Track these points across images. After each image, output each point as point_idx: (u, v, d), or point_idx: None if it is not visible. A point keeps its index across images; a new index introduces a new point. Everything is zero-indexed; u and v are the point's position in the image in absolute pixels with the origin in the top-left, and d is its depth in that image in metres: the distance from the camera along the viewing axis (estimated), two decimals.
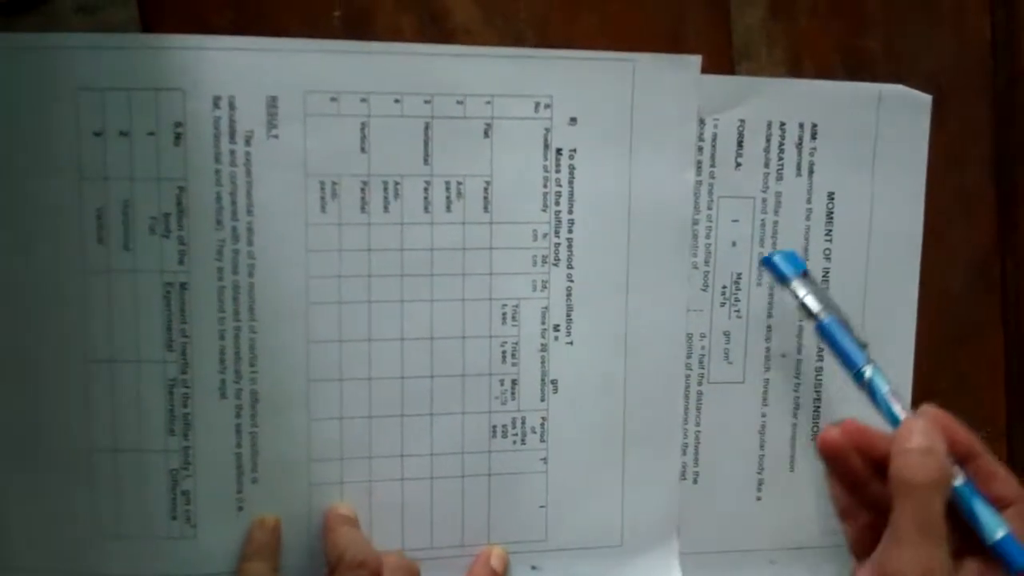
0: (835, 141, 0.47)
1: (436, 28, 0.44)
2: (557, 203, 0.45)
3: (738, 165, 0.47)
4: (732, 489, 0.49)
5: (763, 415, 0.48)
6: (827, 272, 0.48)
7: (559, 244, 0.45)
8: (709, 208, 0.47)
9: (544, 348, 0.46)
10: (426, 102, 0.43)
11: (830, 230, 0.48)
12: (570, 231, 0.45)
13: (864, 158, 0.48)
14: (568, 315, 0.46)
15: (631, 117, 0.45)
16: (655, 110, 0.45)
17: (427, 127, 0.44)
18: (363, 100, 0.43)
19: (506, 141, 0.44)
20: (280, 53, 0.42)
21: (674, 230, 0.46)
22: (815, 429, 0.49)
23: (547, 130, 0.45)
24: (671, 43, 0.46)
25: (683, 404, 0.47)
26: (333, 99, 0.43)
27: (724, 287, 0.47)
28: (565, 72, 0.44)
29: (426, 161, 0.44)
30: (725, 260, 0.47)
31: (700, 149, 0.46)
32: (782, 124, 0.47)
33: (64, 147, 0.41)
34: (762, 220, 0.47)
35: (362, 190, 0.44)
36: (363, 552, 0.42)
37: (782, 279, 0.43)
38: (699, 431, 0.48)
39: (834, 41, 0.48)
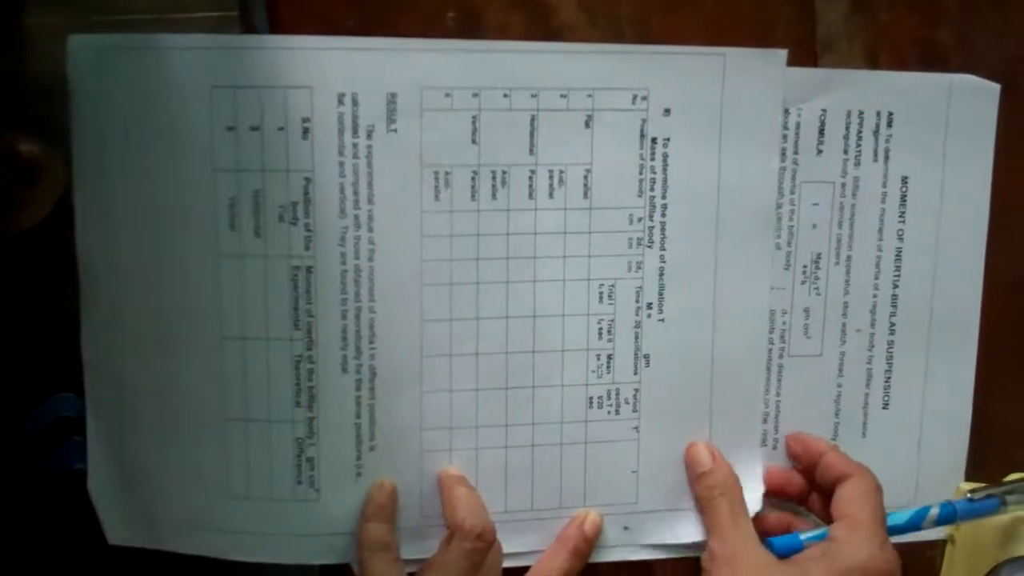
0: (909, 128, 0.50)
1: (542, 26, 0.47)
2: (652, 189, 0.48)
3: (819, 152, 0.50)
4: None
5: (838, 386, 0.52)
6: (899, 252, 0.51)
7: (653, 227, 0.48)
8: (792, 193, 0.50)
9: (638, 325, 0.49)
10: (532, 96, 0.46)
11: (903, 213, 0.51)
12: (663, 215, 0.48)
13: (936, 144, 0.50)
14: (660, 294, 0.49)
15: (721, 108, 0.48)
16: (744, 102, 0.48)
17: (533, 119, 0.46)
18: (475, 95, 0.46)
19: (605, 131, 0.47)
20: (398, 52, 0.45)
21: (759, 214, 0.49)
22: (886, 399, 0.52)
23: (643, 121, 0.47)
24: (760, 38, 0.48)
25: (765, 376, 0.50)
26: (447, 95, 0.45)
27: (805, 266, 0.50)
28: (661, 66, 0.47)
29: (531, 151, 0.47)
30: (806, 241, 0.50)
31: (784, 137, 0.49)
32: (860, 113, 0.50)
33: (199, 141, 0.44)
34: (840, 203, 0.50)
35: (472, 179, 0.46)
36: (481, 522, 0.45)
37: None
38: (779, 400, 0.51)
39: (909, 34, 0.50)
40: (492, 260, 0.47)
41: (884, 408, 0.52)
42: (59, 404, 0.49)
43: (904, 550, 0.53)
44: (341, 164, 0.45)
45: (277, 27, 0.45)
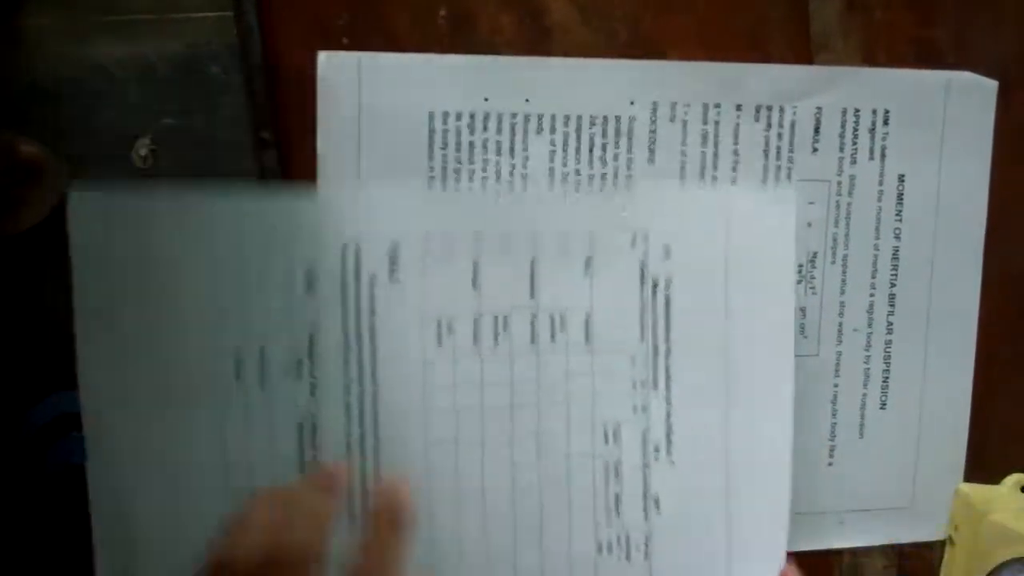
0: (906, 126, 0.50)
1: (534, 25, 0.47)
2: (654, 332, 0.47)
3: (815, 150, 0.49)
4: (806, 455, 0.51)
5: (835, 386, 0.51)
6: (896, 251, 0.51)
7: (657, 370, 0.47)
8: None
9: (646, 467, 0.47)
10: (531, 240, 0.46)
11: (900, 211, 0.50)
12: (667, 358, 0.47)
13: (933, 142, 0.50)
14: (668, 436, 0.47)
15: (726, 248, 0.46)
16: (750, 240, 0.47)
17: (533, 262, 0.46)
18: (476, 239, 0.46)
19: (605, 274, 0.47)
20: (401, 201, 0.45)
21: (776, 353, 0.47)
22: (884, 399, 0.52)
23: (643, 263, 0.47)
24: (754, 35, 0.48)
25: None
26: (447, 240, 0.45)
27: (800, 265, 0.50)
28: (661, 205, 0.46)
29: (532, 295, 0.46)
30: (802, 240, 0.50)
31: (779, 136, 0.49)
32: (856, 111, 0.49)
33: (203, 293, 0.44)
34: (836, 202, 0.50)
35: (474, 325, 0.46)
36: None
37: None
38: None
39: (906, 31, 0.50)
40: (496, 408, 0.47)
41: (882, 408, 0.52)
42: (58, 401, 0.50)
43: (903, 551, 0.53)
44: (344, 315, 0.45)
45: (268, 25, 0.45)
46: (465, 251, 0.46)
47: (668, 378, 0.47)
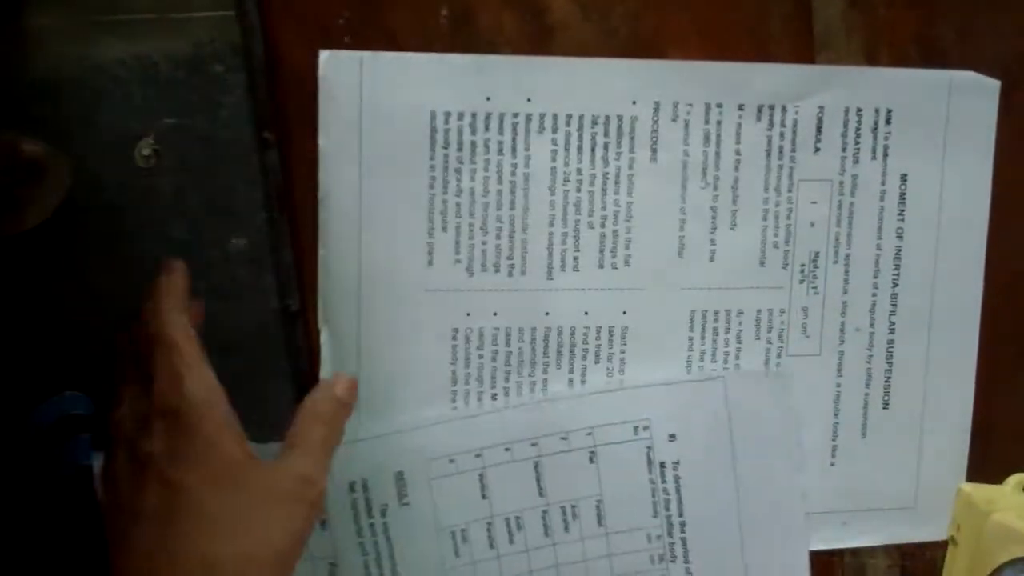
0: (908, 126, 0.50)
1: (535, 23, 0.47)
2: (667, 508, 0.49)
3: (817, 150, 0.49)
4: (808, 455, 0.51)
5: (837, 385, 0.51)
6: (899, 250, 0.51)
7: (673, 543, 0.49)
8: (789, 191, 0.49)
9: None
10: (532, 445, 0.48)
11: (902, 211, 0.50)
12: (683, 531, 0.49)
13: (935, 142, 0.50)
14: None
15: (730, 429, 0.49)
16: (752, 419, 0.49)
17: (537, 465, 0.48)
18: (477, 456, 0.48)
19: (611, 463, 0.48)
20: (401, 434, 0.47)
21: (789, 524, 0.49)
22: (886, 399, 0.52)
23: (648, 448, 0.48)
24: (756, 34, 0.48)
25: None
26: (451, 461, 0.48)
27: (803, 265, 0.50)
28: (658, 398, 0.48)
29: (540, 494, 0.48)
30: (804, 240, 0.50)
31: (782, 135, 0.49)
32: (859, 110, 0.49)
33: None
34: (839, 201, 0.50)
35: (488, 530, 0.48)
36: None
37: None
38: None
39: (909, 30, 0.50)
40: None
41: (884, 408, 0.52)
42: (64, 403, 0.50)
43: (906, 550, 0.53)
44: (361, 544, 0.48)
45: (270, 25, 0.45)
46: (470, 468, 0.48)
47: (686, 550, 0.48)
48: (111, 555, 0.39)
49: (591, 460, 0.48)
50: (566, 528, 0.48)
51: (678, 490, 0.49)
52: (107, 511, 0.40)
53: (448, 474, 0.48)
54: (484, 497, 0.48)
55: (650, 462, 0.48)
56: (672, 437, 0.48)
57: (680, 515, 0.48)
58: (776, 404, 0.49)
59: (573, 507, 0.48)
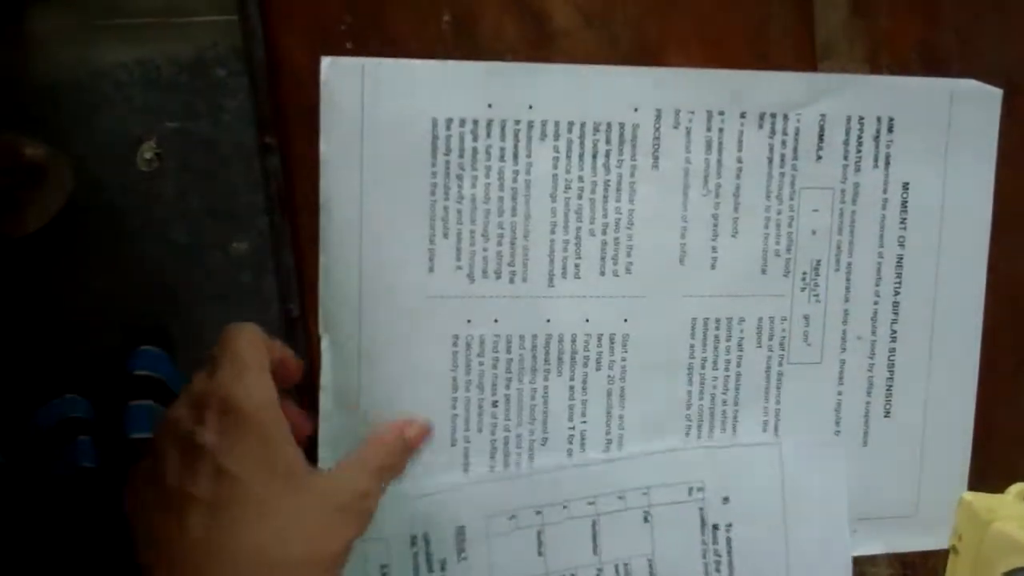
0: (910, 134, 0.50)
1: (537, 30, 0.47)
2: (718, 570, 0.49)
3: (819, 158, 0.49)
4: None
5: (839, 394, 0.51)
6: (900, 259, 0.50)
7: None
8: (791, 199, 0.49)
9: None
10: (590, 504, 0.48)
11: (904, 219, 0.50)
12: None
13: (937, 150, 0.50)
14: None
15: (782, 495, 0.49)
16: (805, 486, 0.49)
17: (593, 523, 0.49)
18: (537, 512, 0.48)
19: (665, 523, 0.49)
20: (462, 488, 0.48)
21: None
22: (888, 407, 0.51)
23: (701, 509, 0.49)
24: (759, 41, 0.48)
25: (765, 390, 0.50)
26: (512, 517, 0.48)
27: (804, 273, 0.50)
28: (715, 459, 0.49)
29: (595, 551, 0.49)
30: (806, 248, 0.50)
31: (783, 143, 0.49)
32: (861, 118, 0.49)
33: None
34: (840, 209, 0.50)
35: None
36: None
37: None
38: (779, 409, 0.51)
39: (911, 38, 0.50)
40: None
41: (886, 416, 0.52)
42: (65, 405, 0.50)
43: (907, 559, 0.52)
44: None
45: (272, 30, 0.45)
46: (527, 525, 0.48)
47: None
48: (154, 551, 0.38)
49: (645, 520, 0.49)
50: None
51: (729, 551, 0.49)
52: (149, 510, 0.39)
53: (507, 531, 0.48)
54: (540, 555, 0.48)
55: (703, 523, 0.49)
56: (726, 500, 0.49)
57: (731, 575, 0.49)
58: (828, 472, 0.50)
59: (626, 565, 0.49)
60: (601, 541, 0.49)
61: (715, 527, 0.49)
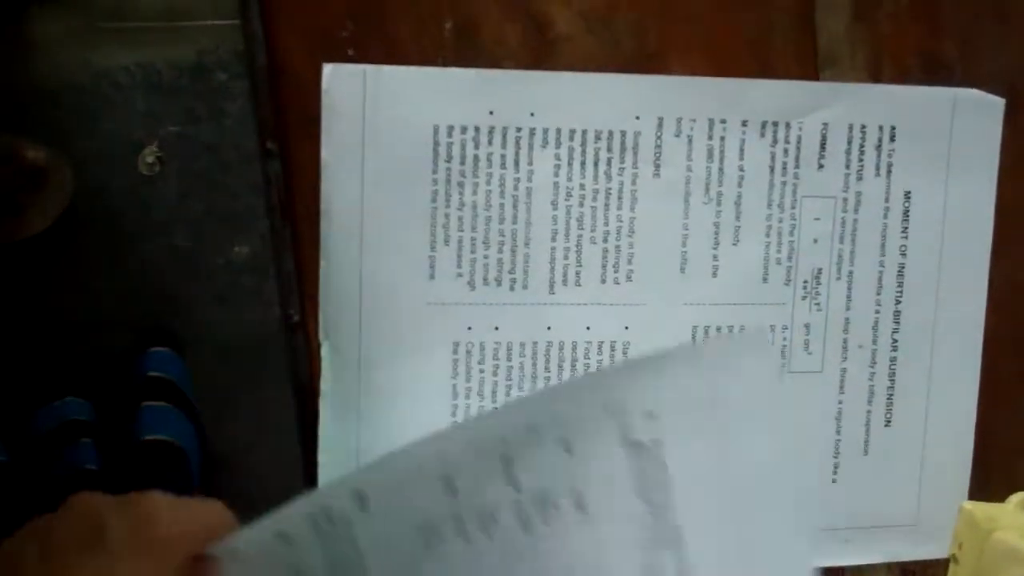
0: (912, 143, 0.50)
1: (539, 36, 0.47)
2: (654, 492, 0.47)
3: (821, 166, 0.49)
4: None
5: (839, 402, 0.51)
6: (902, 267, 0.50)
7: (666, 530, 0.47)
8: (793, 207, 0.49)
9: None
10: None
11: (906, 227, 0.50)
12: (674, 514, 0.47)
13: (939, 158, 0.50)
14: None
15: (712, 399, 0.45)
16: (735, 386, 0.45)
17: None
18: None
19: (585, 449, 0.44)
20: None
21: (786, 500, 0.46)
22: (888, 416, 0.51)
23: (624, 428, 0.46)
24: (760, 49, 0.48)
25: None
26: None
27: (805, 282, 0.50)
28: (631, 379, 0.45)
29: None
30: (807, 256, 0.50)
31: (785, 151, 0.49)
32: (863, 127, 0.49)
33: None
34: (842, 218, 0.50)
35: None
36: None
37: None
38: None
39: (913, 46, 0.50)
40: None
41: (886, 425, 0.52)
42: (65, 408, 0.50)
43: (907, 568, 0.52)
44: None
45: (273, 35, 0.45)
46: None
47: (679, 539, 0.46)
48: None
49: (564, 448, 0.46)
50: (546, 522, 0.47)
51: (665, 473, 0.46)
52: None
53: None
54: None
55: (626, 443, 0.46)
56: (651, 416, 0.46)
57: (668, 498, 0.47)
58: (758, 368, 0.44)
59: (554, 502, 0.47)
60: (518, 475, 0.46)
61: (639, 445, 0.47)
